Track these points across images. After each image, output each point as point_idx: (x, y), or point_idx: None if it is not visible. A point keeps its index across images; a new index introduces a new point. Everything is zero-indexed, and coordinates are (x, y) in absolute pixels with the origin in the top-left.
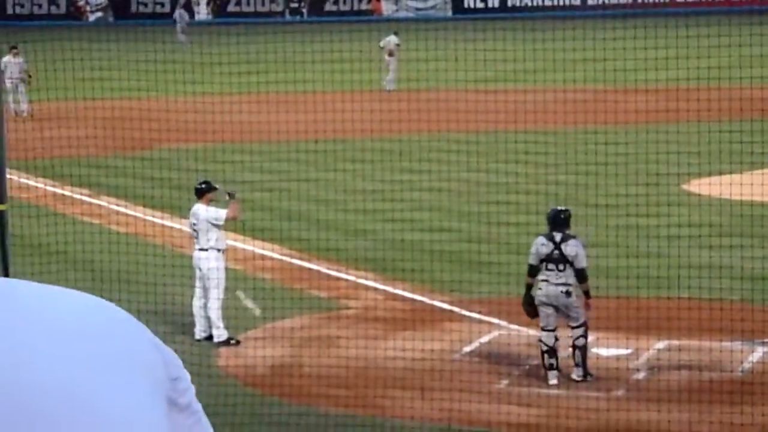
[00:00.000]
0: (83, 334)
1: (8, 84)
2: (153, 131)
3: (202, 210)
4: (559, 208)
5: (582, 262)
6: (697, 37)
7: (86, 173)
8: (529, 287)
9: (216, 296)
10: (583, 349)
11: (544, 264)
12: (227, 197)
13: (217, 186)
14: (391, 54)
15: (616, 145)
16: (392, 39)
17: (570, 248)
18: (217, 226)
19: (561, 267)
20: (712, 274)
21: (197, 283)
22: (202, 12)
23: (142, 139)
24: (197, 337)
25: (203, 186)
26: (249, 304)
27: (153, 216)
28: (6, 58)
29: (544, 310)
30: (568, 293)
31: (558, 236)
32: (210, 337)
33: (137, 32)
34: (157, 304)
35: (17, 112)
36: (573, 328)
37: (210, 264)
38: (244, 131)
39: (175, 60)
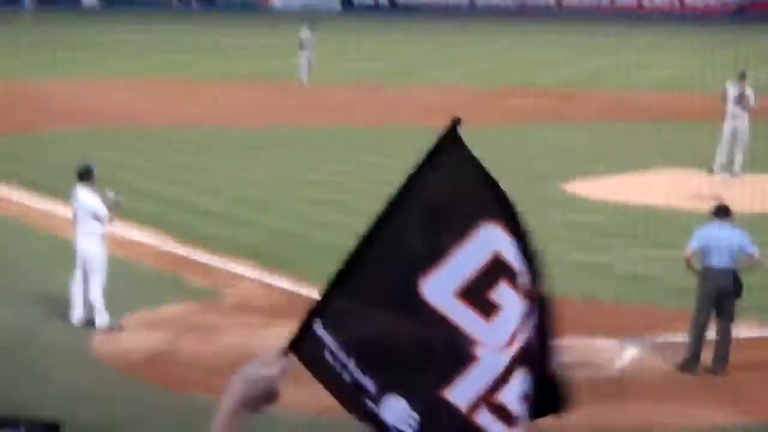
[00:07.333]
0: None
1: None
2: (32, 113)
3: (84, 195)
4: None
5: None
6: (586, 41)
7: None
8: None
9: (98, 281)
10: None
11: None
12: (114, 203)
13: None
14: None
15: (497, 143)
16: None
17: None
18: (97, 218)
19: None
20: (588, 274)
21: (77, 267)
22: None
23: (21, 121)
24: (74, 321)
25: (86, 170)
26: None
27: (29, 200)
28: None
29: None
30: None
31: None
32: (88, 322)
33: (16, 14)
34: (34, 288)
35: None
36: None
37: (92, 248)
38: (124, 116)
39: (57, 41)
